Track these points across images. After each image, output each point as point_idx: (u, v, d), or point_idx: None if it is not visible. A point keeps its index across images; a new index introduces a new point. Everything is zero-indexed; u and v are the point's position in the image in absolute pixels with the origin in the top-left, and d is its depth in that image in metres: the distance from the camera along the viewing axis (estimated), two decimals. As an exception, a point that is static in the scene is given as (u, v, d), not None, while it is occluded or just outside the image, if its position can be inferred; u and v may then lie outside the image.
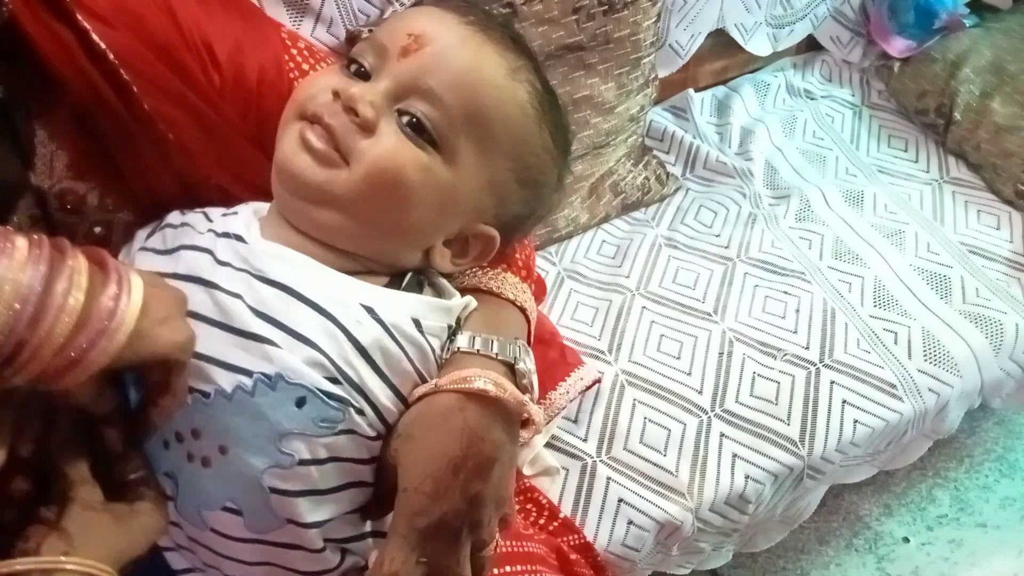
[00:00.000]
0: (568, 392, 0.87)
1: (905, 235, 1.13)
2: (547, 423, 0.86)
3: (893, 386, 0.94)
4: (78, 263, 0.39)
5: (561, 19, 1.04)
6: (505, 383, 0.49)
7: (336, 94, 0.47)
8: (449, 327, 0.52)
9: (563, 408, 0.87)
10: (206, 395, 0.45)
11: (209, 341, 0.45)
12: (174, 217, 0.53)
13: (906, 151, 1.29)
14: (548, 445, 0.88)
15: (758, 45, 1.31)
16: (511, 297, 0.58)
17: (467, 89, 0.48)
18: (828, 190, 1.19)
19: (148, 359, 0.42)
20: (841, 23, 1.39)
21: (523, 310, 0.59)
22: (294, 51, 0.60)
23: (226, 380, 0.45)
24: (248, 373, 0.45)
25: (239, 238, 0.49)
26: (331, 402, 0.46)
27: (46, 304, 0.37)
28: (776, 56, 1.39)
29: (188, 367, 0.44)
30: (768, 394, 0.93)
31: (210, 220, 0.52)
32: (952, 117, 1.25)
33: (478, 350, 0.51)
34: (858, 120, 1.35)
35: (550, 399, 0.86)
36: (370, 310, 0.48)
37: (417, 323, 0.50)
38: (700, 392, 0.93)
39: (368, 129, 0.47)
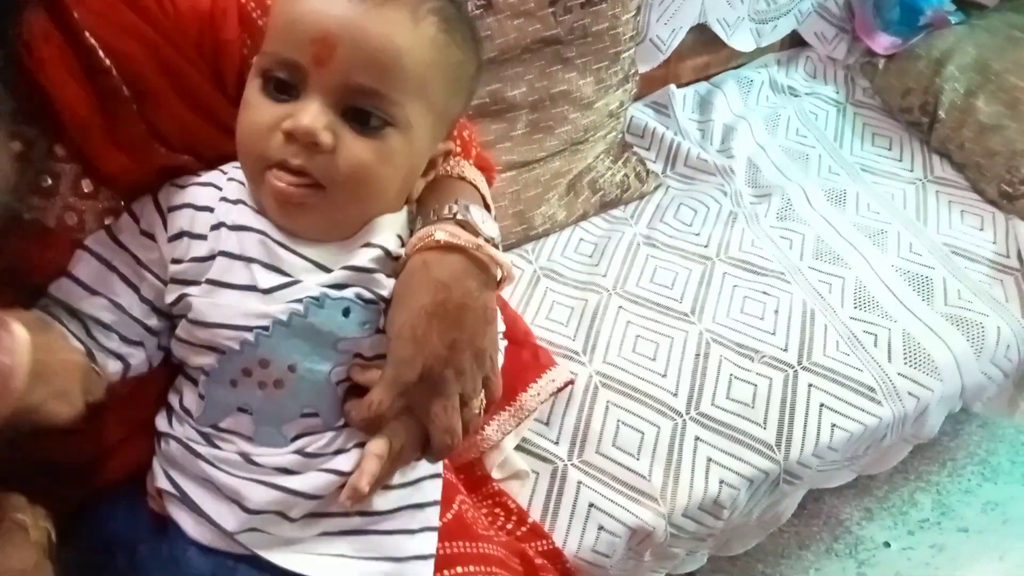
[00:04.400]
0: (539, 394, 0.85)
1: (887, 235, 1.11)
2: (517, 425, 0.84)
3: (872, 390, 0.92)
4: None
5: (537, 12, 1.02)
6: (461, 233, 0.54)
7: (289, 135, 0.48)
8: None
9: (534, 410, 0.84)
10: (265, 328, 0.50)
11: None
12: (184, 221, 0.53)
13: (890, 149, 1.27)
14: (519, 448, 0.86)
15: (741, 41, 1.30)
16: (459, 174, 0.61)
17: (391, 66, 0.49)
18: (810, 189, 1.18)
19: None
20: (826, 19, 1.37)
21: (472, 184, 0.62)
22: None
23: (280, 311, 0.50)
24: (299, 300, 0.50)
25: (258, 231, 0.52)
26: (368, 305, 0.52)
27: None
28: (760, 52, 1.37)
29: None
30: (745, 397, 0.91)
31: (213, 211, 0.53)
32: (936, 115, 1.23)
33: (433, 217, 0.55)
34: (842, 118, 1.33)
35: (520, 401, 0.84)
36: (368, 244, 0.54)
37: (400, 237, 0.55)
38: (675, 395, 0.91)
39: (332, 151, 0.48)
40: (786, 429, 0.89)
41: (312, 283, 0.51)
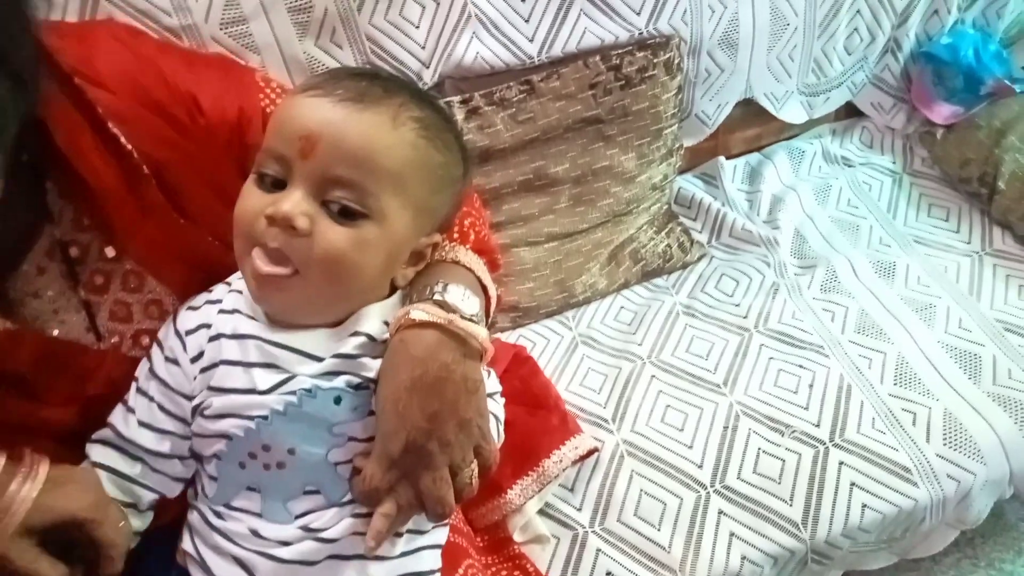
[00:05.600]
0: (561, 461, 0.88)
1: (936, 309, 1.09)
2: (540, 490, 0.87)
3: (908, 470, 0.90)
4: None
5: (578, 94, 1.08)
6: (436, 311, 0.58)
7: (271, 219, 0.54)
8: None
9: (556, 476, 0.88)
10: (265, 418, 0.56)
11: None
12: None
13: (947, 220, 1.25)
14: (541, 512, 0.89)
15: (791, 113, 1.31)
16: (453, 258, 0.67)
17: (367, 161, 0.55)
18: (858, 260, 1.17)
19: (58, 523, 0.52)
20: (882, 89, 1.37)
21: (466, 266, 0.67)
22: (268, 90, 0.72)
23: (276, 402, 0.56)
24: (292, 392, 0.56)
25: (253, 337, 0.58)
26: (358, 391, 0.57)
27: None
28: (813, 123, 1.38)
29: (105, 528, 0.55)
30: (772, 472, 0.91)
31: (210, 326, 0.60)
32: (996, 186, 1.20)
33: (415, 299, 0.60)
34: (898, 188, 1.31)
35: (544, 467, 0.88)
36: (355, 332, 0.59)
37: (386, 323, 0.60)
38: (700, 466, 0.92)
39: (308, 234, 0.54)
40: (813, 507, 0.88)
41: (305, 375, 0.57)
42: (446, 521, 0.65)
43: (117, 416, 0.61)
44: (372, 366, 0.59)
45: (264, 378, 0.57)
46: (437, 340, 0.57)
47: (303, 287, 0.55)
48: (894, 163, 1.36)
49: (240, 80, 0.71)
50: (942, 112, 1.32)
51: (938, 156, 1.32)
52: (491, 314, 0.72)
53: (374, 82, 0.58)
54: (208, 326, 0.60)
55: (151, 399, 0.60)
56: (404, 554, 0.60)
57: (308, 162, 0.54)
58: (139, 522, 0.61)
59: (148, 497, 0.61)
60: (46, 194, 0.58)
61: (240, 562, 0.57)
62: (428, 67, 1.02)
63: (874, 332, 1.06)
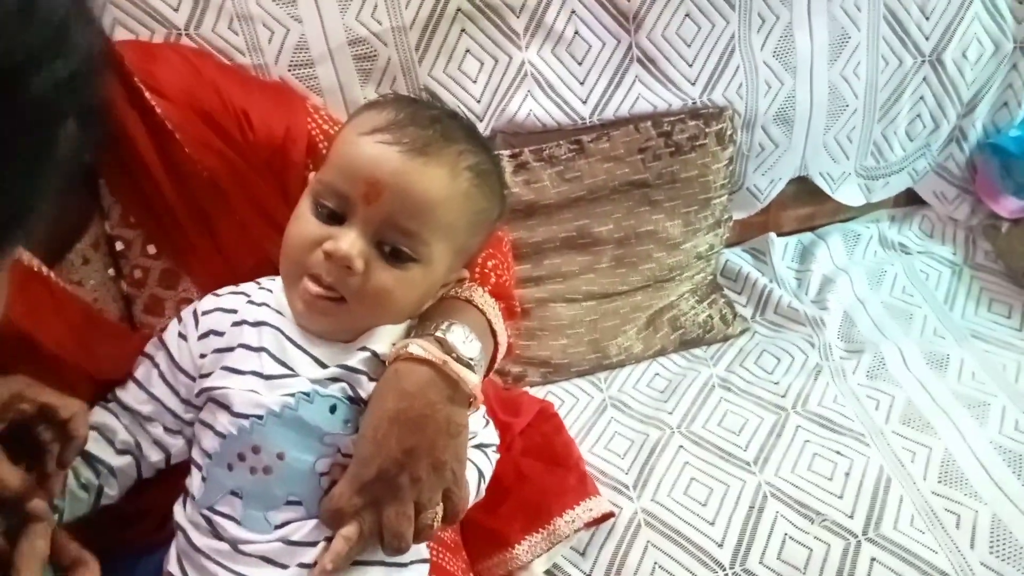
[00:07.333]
0: (574, 521, 0.85)
1: (991, 408, 1.02)
2: (548, 549, 0.84)
3: (947, 576, 0.84)
4: None
5: (627, 157, 1.09)
6: (433, 349, 0.59)
7: (328, 255, 0.56)
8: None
9: (567, 536, 0.85)
10: (260, 417, 0.57)
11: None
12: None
13: (1009, 317, 1.19)
14: (548, 574, 0.86)
15: (848, 195, 1.29)
16: (467, 297, 0.68)
17: (426, 213, 0.58)
18: (908, 349, 1.12)
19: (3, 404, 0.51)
20: (945, 178, 1.34)
21: (479, 308, 0.68)
22: (317, 117, 0.76)
23: (274, 402, 0.57)
24: (291, 394, 0.57)
25: (274, 327, 0.61)
26: (352, 405, 0.59)
27: None
28: (871, 207, 1.35)
29: (49, 393, 0.53)
30: (797, 560, 0.86)
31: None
32: (1063, 286, 1.15)
33: (420, 332, 0.62)
34: (957, 279, 1.27)
35: (554, 525, 0.85)
36: (363, 348, 0.61)
37: (394, 344, 0.62)
38: (720, 545, 0.87)
39: (361, 273, 0.57)
40: (840, 603, 0.82)
41: (307, 378, 0.58)
42: (425, 557, 0.64)
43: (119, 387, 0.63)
44: (367, 387, 0.60)
45: (272, 366, 0.59)
46: (428, 378, 0.58)
47: (347, 314, 0.59)
48: (954, 254, 1.31)
49: (291, 103, 0.76)
50: (1008, 206, 1.28)
51: (1002, 250, 1.27)
52: (497, 360, 0.72)
53: (436, 128, 0.59)
54: (233, 311, 0.62)
55: (154, 365, 0.62)
56: None
57: (370, 208, 0.57)
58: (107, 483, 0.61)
59: (120, 445, 0.61)
60: (99, 190, 0.62)
61: None
62: (482, 120, 1.05)
63: (920, 424, 1.00)
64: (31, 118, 0.29)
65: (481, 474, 0.65)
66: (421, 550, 0.63)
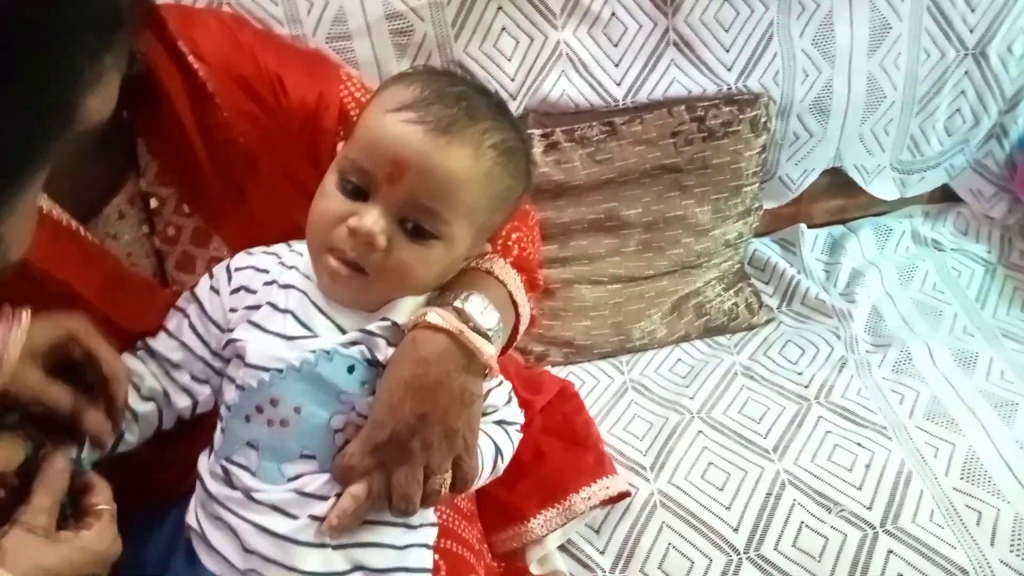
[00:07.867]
0: (590, 498, 0.86)
1: (1018, 408, 1.01)
2: (563, 524, 0.85)
3: (965, 572, 0.83)
4: None
5: (659, 141, 1.09)
6: (451, 318, 0.60)
7: (352, 231, 0.57)
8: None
9: (582, 513, 0.86)
10: (280, 371, 0.59)
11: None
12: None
13: (1042, 319, 1.17)
14: (562, 549, 0.87)
15: (882, 188, 1.28)
16: (488, 268, 0.68)
17: (449, 194, 0.58)
18: (936, 346, 1.10)
19: (55, 342, 0.54)
20: (983, 176, 1.31)
21: (499, 279, 0.68)
22: (350, 84, 0.76)
23: (295, 357, 0.59)
24: (312, 351, 0.59)
25: (301, 291, 0.62)
26: (370, 367, 0.60)
27: None
28: (904, 202, 1.33)
29: (103, 347, 0.56)
30: (812, 548, 0.86)
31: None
32: (1101, 288, 1.12)
33: (440, 302, 0.63)
34: (990, 278, 1.25)
35: (570, 501, 0.86)
36: (384, 318, 0.62)
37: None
38: (736, 530, 0.88)
39: (384, 249, 0.58)
40: (854, 593, 0.82)
41: (328, 339, 0.60)
42: (433, 521, 0.65)
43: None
44: (386, 351, 0.60)
45: (295, 327, 0.60)
46: (445, 347, 0.59)
47: (370, 287, 0.60)
48: (989, 252, 1.29)
49: (325, 70, 0.76)
50: (1048, 206, 1.26)
51: (1038, 250, 1.25)
52: (519, 332, 0.72)
53: (461, 106, 0.59)
54: (265, 271, 0.63)
55: (185, 316, 0.64)
56: (399, 547, 0.61)
57: (393, 186, 0.57)
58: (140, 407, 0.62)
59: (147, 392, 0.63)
60: (136, 148, 0.64)
61: (235, 532, 0.58)
62: (515, 99, 1.05)
63: (944, 421, 0.99)
64: (60, 39, 0.30)
65: (499, 450, 0.65)
66: (429, 514, 0.64)
